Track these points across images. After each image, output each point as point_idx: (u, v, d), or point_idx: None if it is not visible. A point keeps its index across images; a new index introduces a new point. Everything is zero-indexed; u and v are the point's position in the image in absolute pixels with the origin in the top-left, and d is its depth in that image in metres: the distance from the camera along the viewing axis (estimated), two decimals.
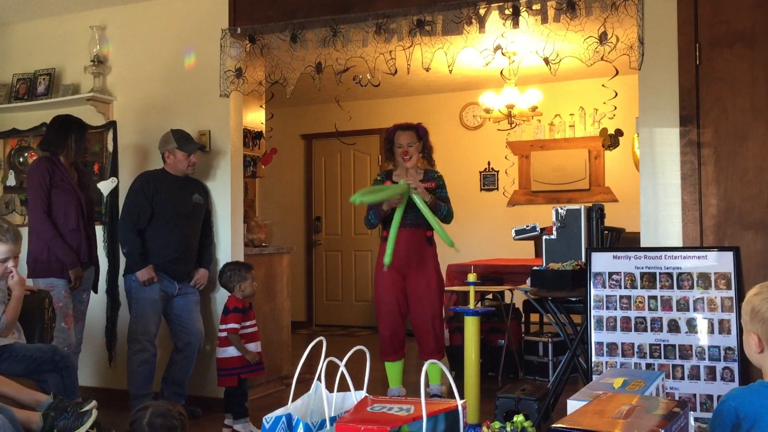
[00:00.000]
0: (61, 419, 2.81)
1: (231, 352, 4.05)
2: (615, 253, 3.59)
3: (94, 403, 2.92)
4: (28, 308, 3.60)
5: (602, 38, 3.77)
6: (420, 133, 4.48)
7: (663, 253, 3.50)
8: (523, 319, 6.24)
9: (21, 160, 5.28)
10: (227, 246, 4.66)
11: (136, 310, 4.33)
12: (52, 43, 5.23)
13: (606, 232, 3.90)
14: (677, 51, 3.66)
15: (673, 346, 3.44)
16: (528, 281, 3.82)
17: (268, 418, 1.51)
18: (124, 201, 4.47)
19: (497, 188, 7.89)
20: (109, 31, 5.04)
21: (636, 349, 3.44)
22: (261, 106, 5.42)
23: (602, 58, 3.79)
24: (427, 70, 4.19)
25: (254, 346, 4.14)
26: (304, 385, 1.57)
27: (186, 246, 4.41)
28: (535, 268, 3.79)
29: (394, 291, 4.38)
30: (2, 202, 5.31)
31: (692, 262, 3.44)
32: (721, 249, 3.45)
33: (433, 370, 4.28)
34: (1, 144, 5.36)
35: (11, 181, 5.29)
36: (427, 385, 4.58)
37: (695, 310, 3.42)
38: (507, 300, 5.81)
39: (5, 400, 2.80)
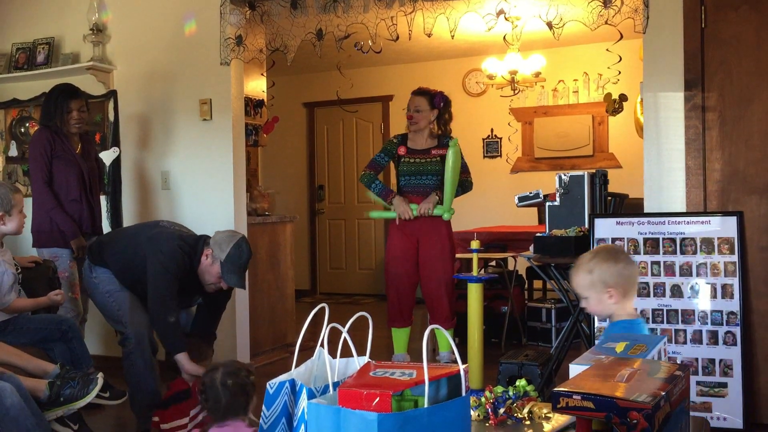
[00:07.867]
0: (67, 388, 2.84)
1: None
2: (618, 219, 3.58)
3: (100, 374, 2.95)
4: (34, 279, 3.62)
5: (606, 1, 3.72)
6: (435, 101, 4.34)
7: (666, 219, 3.49)
8: (526, 286, 6.27)
9: (22, 130, 5.27)
10: (230, 216, 4.65)
11: (115, 302, 3.52)
12: (51, 11, 5.19)
13: (609, 198, 3.89)
14: (682, 14, 3.61)
15: (676, 310, 3.44)
16: (531, 248, 3.82)
17: (272, 384, 1.52)
18: (158, 260, 3.38)
19: (500, 155, 7.86)
20: None
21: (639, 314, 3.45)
22: (262, 74, 5.39)
23: (606, 22, 3.74)
24: (429, 35, 4.15)
25: None
26: (307, 352, 1.58)
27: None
28: (538, 234, 3.79)
29: (405, 257, 4.37)
30: (5, 173, 5.31)
31: (696, 227, 3.44)
32: (725, 214, 3.44)
33: (443, 338, 4.30)
34: (2, 114, 5.35)
35: (13, 151, 5.29)
36: (437, 353, 4.61)
37: (698, 275, 3.43)
38: (510, 267, 5.83)
39: (13, 369, 2.82)
